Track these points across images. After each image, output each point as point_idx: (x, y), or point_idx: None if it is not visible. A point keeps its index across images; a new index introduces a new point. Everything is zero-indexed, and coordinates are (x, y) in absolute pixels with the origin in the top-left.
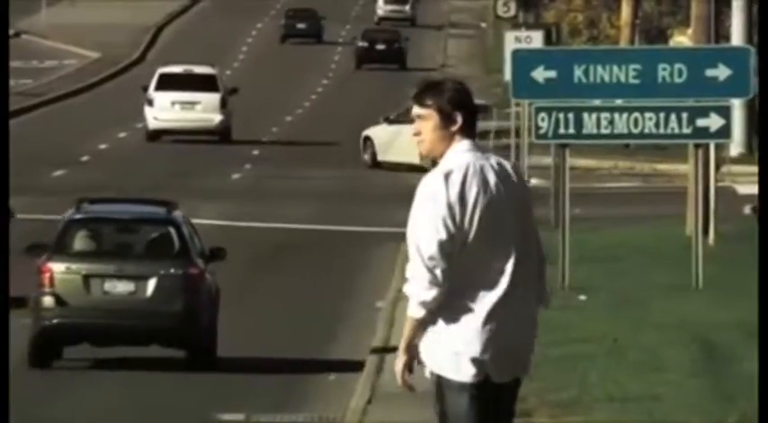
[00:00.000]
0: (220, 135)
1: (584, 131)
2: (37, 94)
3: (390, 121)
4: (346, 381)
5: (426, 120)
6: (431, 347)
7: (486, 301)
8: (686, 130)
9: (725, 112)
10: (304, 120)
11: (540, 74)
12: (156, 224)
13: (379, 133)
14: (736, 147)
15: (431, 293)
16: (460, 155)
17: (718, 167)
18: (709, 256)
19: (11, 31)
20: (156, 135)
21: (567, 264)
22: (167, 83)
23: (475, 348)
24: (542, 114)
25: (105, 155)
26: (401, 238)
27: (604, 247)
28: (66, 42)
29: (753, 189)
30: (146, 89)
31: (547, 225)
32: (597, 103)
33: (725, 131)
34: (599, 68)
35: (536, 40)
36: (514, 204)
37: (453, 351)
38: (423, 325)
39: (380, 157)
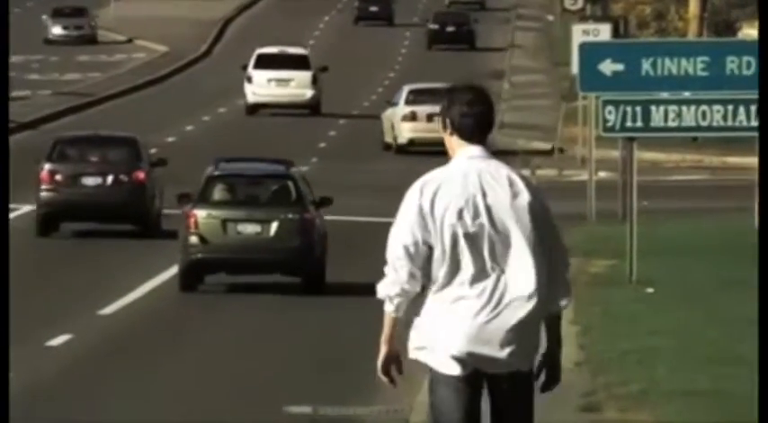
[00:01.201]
0: (311, 108)
1: (652, 124)
2: (94, 92)
3: (391, 104)
4: (414, 374)
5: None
6: (420, 341)
7: (469, 297)
8: (754, 123)
9: None
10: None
11: (607, 67)
12: (277, 178)
13: (384, 116)
14: None
15: (393, 289)
16: (453, 163)
17: None
18: None
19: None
20: (255, 109)
21: (635, 257)
22: (264, 62)
23: (459, 343)
24: (610, 107)
25: (173, 147)
26: None
27: (672, 240)
28: (135, 36)
29: None
30: (245, 68)
31: (614, 218)
32: (665, 95)
33: None
34: (667, 61)
35: (604, 32)
36: (501, 213)
37: (439, 345)
38: (395, 320)
39: (385, 139)
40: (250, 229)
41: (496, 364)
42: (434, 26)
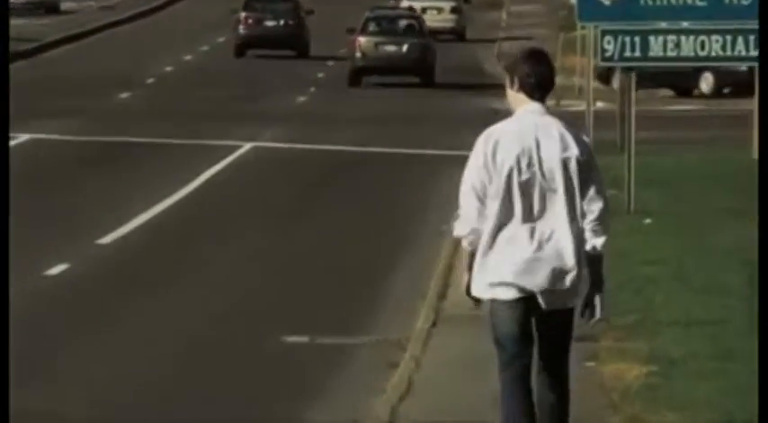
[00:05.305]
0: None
1: (651, 54)
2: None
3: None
4: (411, 304)
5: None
6: (481, 281)
7: (519, 236)
8: (753, 53)
9: None
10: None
11: None
12: (408, 18)
13: None
14: None
15: (464, 229)
16: (517, 116)
17: None
18: None
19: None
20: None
21: (633, 187)
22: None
23: (511, 274)
24: (608, 37)
25: (171, 77)
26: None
27: (670, 171)
28: None
29: None
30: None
31: (612, 148)
32: (663, 25)
33: None
34: None
35: None
36: (551, 164)
37: (495, 278)
38: (471, 253)
39: None
40: (391, 47)
41: (542, 299)
42: None
